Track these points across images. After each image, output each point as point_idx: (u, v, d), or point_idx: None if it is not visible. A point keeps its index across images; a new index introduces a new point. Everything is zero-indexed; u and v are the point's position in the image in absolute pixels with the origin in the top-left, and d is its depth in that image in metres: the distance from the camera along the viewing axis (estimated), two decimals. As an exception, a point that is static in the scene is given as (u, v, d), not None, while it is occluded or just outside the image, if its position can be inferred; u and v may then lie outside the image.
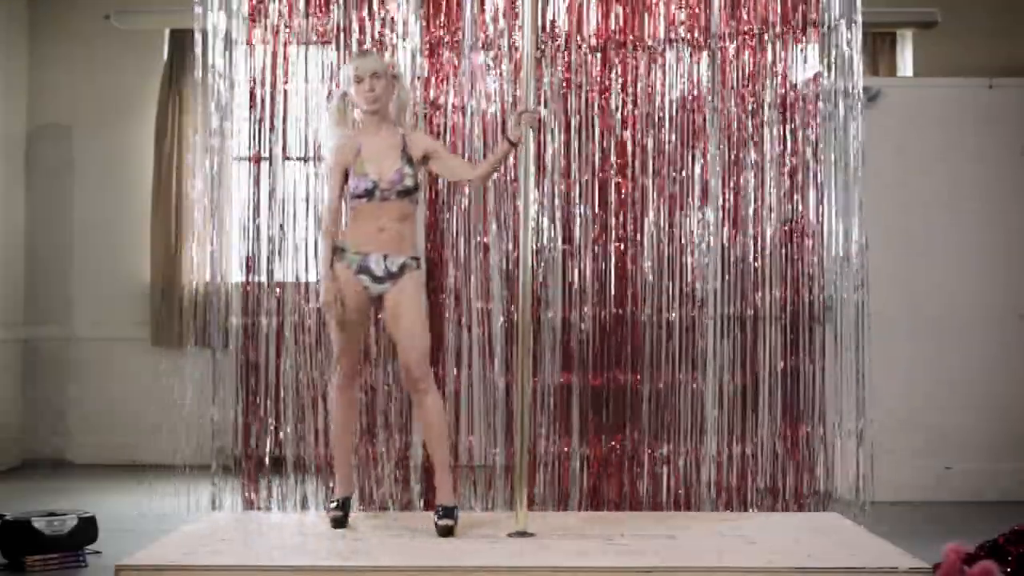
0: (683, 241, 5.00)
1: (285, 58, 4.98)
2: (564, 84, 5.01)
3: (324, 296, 4.34)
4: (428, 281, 4.86)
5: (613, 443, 4.95)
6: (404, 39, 4.99)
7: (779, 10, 5.00)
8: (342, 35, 4.98)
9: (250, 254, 4.95)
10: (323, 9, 4.99)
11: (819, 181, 4.98)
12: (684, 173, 5.02)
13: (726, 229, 5.02)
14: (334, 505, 4.45)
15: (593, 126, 5.03)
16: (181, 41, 7.37)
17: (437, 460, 4.40)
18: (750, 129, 5.02)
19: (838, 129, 4.95)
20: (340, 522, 4.40)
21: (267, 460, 4.92)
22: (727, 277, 5.01)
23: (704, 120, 5.03)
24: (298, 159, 5.00)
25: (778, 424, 4.96)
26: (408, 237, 4.39)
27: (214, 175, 4.90)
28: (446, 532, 4.25)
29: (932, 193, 6.31)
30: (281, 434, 4.91)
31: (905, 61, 7.36)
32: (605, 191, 5.02)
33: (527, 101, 4.36)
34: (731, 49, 5.03)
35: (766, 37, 5.01)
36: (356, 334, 4.41)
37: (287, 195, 4.98)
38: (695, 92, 5.04)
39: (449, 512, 4.30)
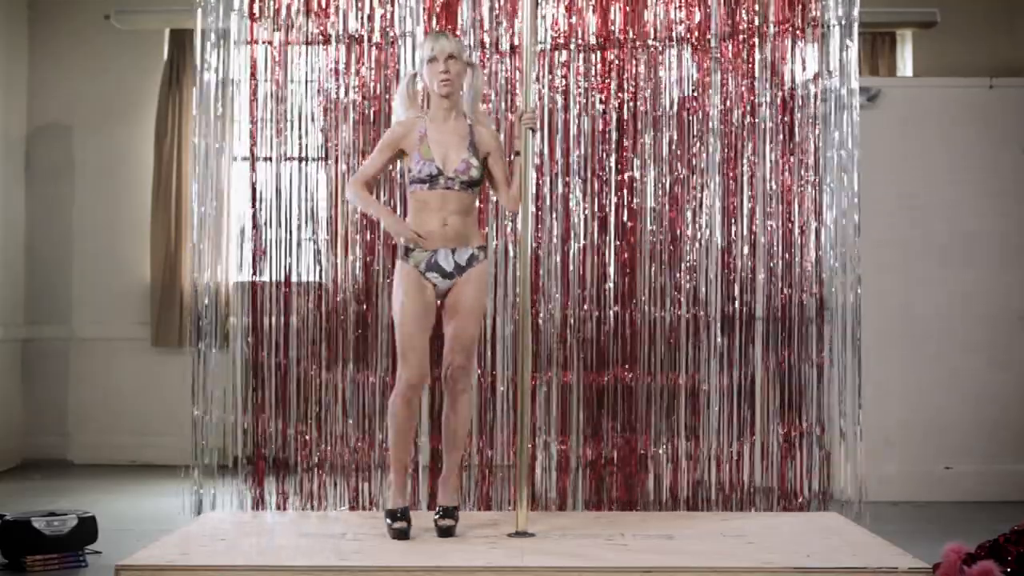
0: (683, 240, 5.00)
1: (281, 58, 4.98)
2: (563, 83, 5.02)
3: (404, 233, 4.23)
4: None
5: (613, 443, 4.95)
6: (406, 38, 5.00)
7: (779, 10, 5.00)
8: (342, 34, 4.99)
9: (250, 254, 4.94)
10: (324, 9, 4.99)
11: (818, 181, 4.98)
12: (683, 172, 5.02)
13: (726, 228, 5.02)
14: (397, 517, 4.22)
15: (594, 125, 5.03)
16: (181, 41, 7.37)
17: (452, 461, 4.37)
18: (749, 129, 5.02)
19: (837, 129, 4.95)
20: (405, 533, 4.18)
21: (267, 460, 4.92)
22: (727, 276, 5.01)
23: (704, 119, 5.03)
24: (298, 159, 5.00)
25: (777, 424, 4.96)
26: (472, 228, 4.31)
27: (213, 175, 4.90)
28: (447, 532, 4.25)
29: (931, 193, 6.31)
30: (281, 434, 4.91)
31: (905, 61, 7.36)
32: (605, 190, 5.02)
33: (526, 100, 4.36)
34: (730, 48, 5.03)
35: (766, 36, 5.02)
36: (425, 335, 4.26)
37: (287, 195, 4.97)
38: (694, 91, 5.04)
39: (450, 512, 4.29)
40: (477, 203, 4.41)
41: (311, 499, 4.91)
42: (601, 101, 5.03)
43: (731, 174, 5.03)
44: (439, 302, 4.33)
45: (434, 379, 4.75)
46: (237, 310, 4.97)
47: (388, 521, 4.25)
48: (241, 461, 4.91)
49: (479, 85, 4.42)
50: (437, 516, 4.29)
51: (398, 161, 4.40)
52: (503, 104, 4.99)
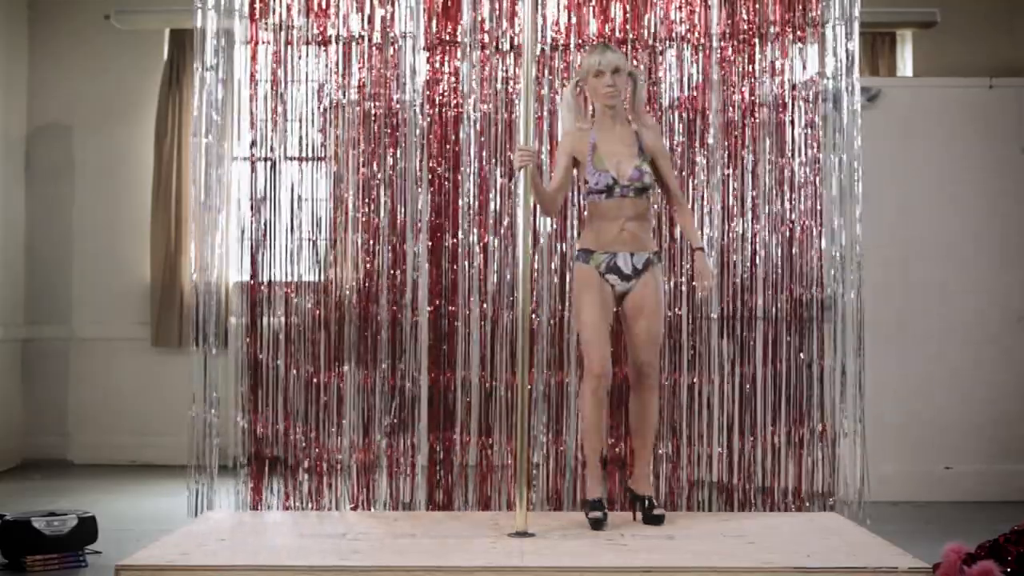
0: (683, 240, 5.00)
1: (280, 57, 4.98)
2: (563, 83, 5.01)
3: (527, 159, 4.26)
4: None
5: (613, 443, 4.94)
6: (406, 38, 5.00)
7: (779, 10, 5.00)
8: (343, 34, 4.99)
9: (250, 254, 4.94)
10: (324, 10, 4.99)
11: (818, 181, 4.98)
12: (684, 172, 5.02)
13: (726, 228, 5.02)
14: (590, 507, 4.34)
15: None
16: (181, 41, 7.38)
17: (641, 454, 4.47)
18: (749, 129, 5.02)
19: (838, 129, 4.95)
20: (599, 523, 4.29)
21: (267, 460, 4.92)
22: (727, 276, 5.01)
23: (704, 119, 5.03)
24: (298, 159, 5.00)
25: (778, 424, 4.96)
26: (647, 232, 4.46)
27: (214, 175, 4.89)
28: (652, 520, 4.37)
29: (932, 193, 6.32)
30: (281, 434, 4.91)
31: (905, 61, 7.36)
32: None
33: (526, 99, 4.34)
34: (730, 49, 5.03)
35: (766, 36, 5.01)
36: (605, 329, 4.37)
37: (287, 195, 4.97)
38: (695, 91, 5.04)
39: (651, 502, 4.42)
40: (650, 207, 4.52)
41: (311, 499, 4.91)
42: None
43: (731, 174, 5.02)
44: (618, 303, 4.42)
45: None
46: (237, 310, 4.96)
47: (584, 511, 4.37)
48: (241, 461, 4.90)
49: (642, 94, 4.55)
50: (641, 506, 4.43)
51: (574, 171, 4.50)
52: (502, 105, 5.00)
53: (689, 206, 4.73)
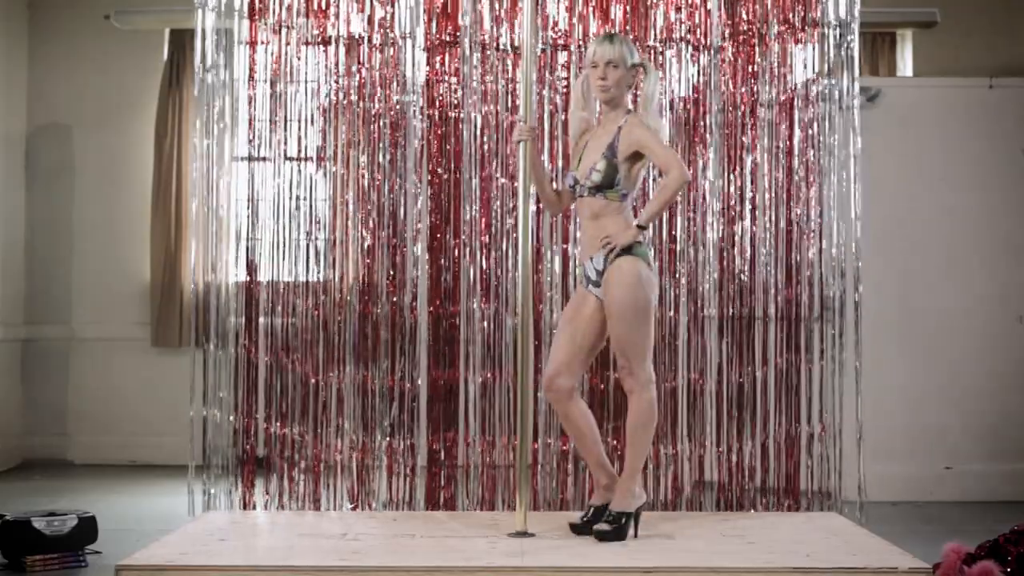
0: (683, 240, 5.00)
1: (280, 57, 4.98)
2: (564, 84, 5.01)
3: (521, 135, 4.25)
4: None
5: (613, 443, 4.94)
6: (406, 39, 4.99)
7: (779, 10, 5.00)
8: (342, 35, 4.99)
9: (249, 254, 4.95)
10: (324, 10, 4.99)
11: (818, 181, 4.98)
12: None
13: (726, 228, 5.02)
14: (582, 513, 4.30)
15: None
16: (181, 41, 7.38)
17: (627, 462, 4.23)
18: (749, 129, 5.02)
19: (837, 129, 4.95)
20: (601, 534, 4.11)
21: (266, 460, 4.92)
22: (727, 276, 5.01)
23: (704, 120, 5.03)
24: (297, 159, 5.00)
25: (778, 424, 4.96)
26: (607, 232, 4.13)
27: (214, 175, 4.89)
28: (596, 535, 4.13)
29: (931, 193, 6.32)
30: (280, 434, 4.91)
31: (905, 61, 7.36)
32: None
33: (526, 99, 4.35)
34: (730, 49, 5.03)
35: (766, 37, 5.01)
36: (567, 340, 4.20)
37: (287, 195, 4.97)
38: (695, 92, 5.04)
39: (617, 519, 4.15)
40: (620, 206, 4.17)
41: (310, 499, 4.91)
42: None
43: (732, 174, 5.02)
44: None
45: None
46: (236, 310, 4.96)
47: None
48: (241, 461, 4.90)
49: (650, 90, 4.22)
50: (603, 519, 4.18)
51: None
52: (503, 106, 4.99)
53: (676, 185, 4.11)
